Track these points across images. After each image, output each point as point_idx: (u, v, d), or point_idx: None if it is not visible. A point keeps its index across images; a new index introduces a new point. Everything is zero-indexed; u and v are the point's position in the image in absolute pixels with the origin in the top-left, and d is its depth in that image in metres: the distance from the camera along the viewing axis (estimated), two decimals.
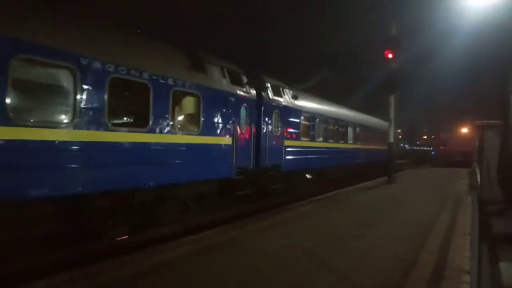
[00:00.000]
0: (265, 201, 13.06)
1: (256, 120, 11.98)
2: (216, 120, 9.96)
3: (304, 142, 15.36)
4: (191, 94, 9.37)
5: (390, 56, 17.04)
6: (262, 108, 12.42)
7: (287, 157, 13.78)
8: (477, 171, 16.37)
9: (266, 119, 12.59)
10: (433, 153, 57.27)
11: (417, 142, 78.91)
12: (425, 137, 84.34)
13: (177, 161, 8.71)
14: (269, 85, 12.97)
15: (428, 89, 59.18)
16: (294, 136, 14.41)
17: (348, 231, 8.16)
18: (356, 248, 6.81)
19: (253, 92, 11.95)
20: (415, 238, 7.62)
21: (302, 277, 5.35)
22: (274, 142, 12.99)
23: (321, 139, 16.98)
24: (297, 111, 14.75)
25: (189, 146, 9.05)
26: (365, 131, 23.84)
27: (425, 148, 70.27)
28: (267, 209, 11.02)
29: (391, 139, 18.77)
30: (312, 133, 15.94)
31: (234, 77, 11.11)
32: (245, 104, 11.36)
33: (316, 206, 11.63)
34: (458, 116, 50.57)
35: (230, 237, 7.41)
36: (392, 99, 18.34)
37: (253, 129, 11.77)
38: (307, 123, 15.81)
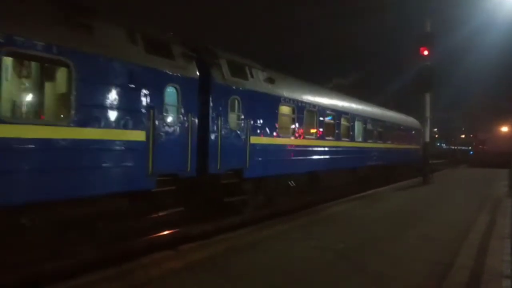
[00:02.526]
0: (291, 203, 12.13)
1: (198, 108, 8.62)
2: (107, 104, 6.65)
3: (286, 140, 11.83)
4: (53, 61, 6.13)
5: (425, 53, 16.99)
6: (211, 93, 9.04)
7: (255, 159, 10.33)
8: None
9: (219, 107, 9.20)
10: (471, 153, 53.72)
11: (453, 141, 74.89)
12: (463, 136, 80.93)
13: (22, 168, 5.49)
14: (223, 61, 9.57)
15: (464, 87, 56.75)
16: (268, 131, 10.92)
17: (381, 233, 8.15)
18: (390, 251, 6.81)
19: (194, 69, 8.58)
20: (451, 241, 7.52)
21: (333, 279, 5.35)
22: (231, 139, 9.59)
23: (313, 135, 13.35)
24: (273, 99, 11.24)
25: (51, 144, 5.80)
26: (384, 128, 19.90)
27: (462, 148, 67.24)
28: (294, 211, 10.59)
29: (427, 138, 18.48)
30: (299, 128, 12.35)
31: (156, 45, 7.79)
32: (175, 85, 8.01)
33: (347, 206, 11.68)
34: (496, 114, 47.63)
35: (261, 237, 7.62)
36: (427, 98, 18.00)
37: (193, 120, 8.42)
38: (291, 115, 12.26)
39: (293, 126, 12.27)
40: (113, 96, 6.73)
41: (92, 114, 6.38)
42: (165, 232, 8.22)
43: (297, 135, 12.29)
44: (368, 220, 9.62)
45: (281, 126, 11.76)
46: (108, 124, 6.64)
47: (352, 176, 16.92)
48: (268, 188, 11.43)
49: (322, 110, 13.72)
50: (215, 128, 9.08)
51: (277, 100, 11.38)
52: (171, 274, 5.45)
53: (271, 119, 11.10)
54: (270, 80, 11.21)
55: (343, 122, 15.57)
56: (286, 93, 11.82)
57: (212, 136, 9.02)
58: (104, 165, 6.57)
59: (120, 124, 6.84)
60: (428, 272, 5.67)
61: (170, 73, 7.89)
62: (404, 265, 6.03)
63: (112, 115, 6.72)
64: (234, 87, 9.68)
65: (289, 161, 11.89)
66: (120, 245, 7.21)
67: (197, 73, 8.61)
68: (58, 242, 6.33)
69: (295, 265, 6.00)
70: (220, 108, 9.24)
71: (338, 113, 14.92)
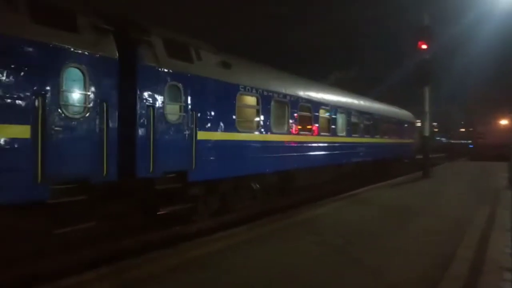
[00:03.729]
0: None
1: (118, 96, 6.85)
2: None
3: (248, 135, 10.08)
4: None
5: (423, 47, 16.83)
6: (138, 77, 7.28)
7: (205, 158, 8.59)
8: None
9: (150, 96, 7.44)
10: (471, 146, 52.57)
11: (452, 134, 73.77)
12: (462, 129, 79.83)
13: None
14: (157, 40, 7.79)
15: (462, 80, 55.50)
16: (223, 125, 9.17)
17: (381, 228, 8.08)
18: (390, 245, 6.72)
19: (111, 47, 6.80)
20: (452, 233, 7.49)
21: (333, 273, 5.29)
22: (170, 135, 7.84)
23: (284, 130, 11.58)
24: (230, 87, 9.48)
25: None
26: (373, 121, 18.14)
27: (462, 142, 66.00)
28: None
29: (427, 132, 18.24)
30: (264, 121, 10.58)
31: (49, 12, 6.02)
32: (79, 66, 6.25)
33: (345, 203, 11.40)
34: (496, 107, 46.47)
35: (259, 233, 7.46)
36: (426, 91, 17.79)
37: (111, 112, 6.66)
38: (254, 106, 10.51)
39: (257, 119, 10.50)
40: None
41: None
42: None
43: (262, 129, 10.52)
44: (368, 216, 9.45)
45: (241, 119, 10.01)
46: None
47: (337, 173, 15.19)
48: (224, 193, 9.69)
49: (294, 101, 11.94)
50: (144, 121, 7.31)
51: (235, 89, 9.61)
52: None
53: (227, 111, 9.34)
54: (225, 65, 9.44)
55: (322, 114, 13.78)
56: (246, 80, 10.04)
57: (141, 131, 7.26)
58: None
59: None
60: (429, 264, 5.66)
61: (72, 50, 6.12)
62: (404, 258, 6.02)
63: None
64: (173, 71, 7.90)
65: (252, 159, 10.13)
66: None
67: (116, 52, 6.83)
68: None
69: None
70: (153, 97, 7.47)
71: (315, 105, 13.13)
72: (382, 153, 19.15)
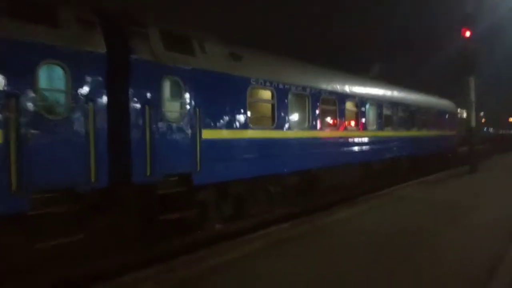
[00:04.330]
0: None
1: (109, 94, 6.25)
2: None
3: (262, 132, 9.28)
4: None
5: (467, 34, 16.23)
6: (131, 73, 6.65)
7: (212, 159, 7.86)
8: None
9: (145, 92, 6.80)
10: None
11: (501, 125, 69.55)
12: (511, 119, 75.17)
13: None
14: (154, 32, 7.13)
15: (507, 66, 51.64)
16: (233, 122, 8.42)
17: (428, 226, 7.74)
18: (437, 243, 6.52)
19: (97, 40, 6.20)
20: (503, 233, 7.00)
21: (379, 271, 5.19)
22: (170, 134, 7.18)
23: (305, 125, 10.66)
24: (240, 81, 8.70)
25: None
26: (409, 113, 16.79)
27: None
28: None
29: (473, 124, 17.42)
30: (281, 116, 9.72)
31: (15, 6, 5.47)
32: (59, 62, 5.69)
33: (389, 198, 11.27)
34: None
35: (300, 231, 7.40)
36: (472, 81, 17.03)
37: (99, 111, 6.08)
38: (269, 100, 9.67)
39: (272, 115, 9.64)
40: None
41: None
42: None
43: (279, 125, 9.66)
44: (415, 212, 9.35)
45: (254, 115, 9.25)
46: None
47: (367, 171, 14.05)
48: (239, 197, 8.94)
49: (316, 93, 10.97)
50: (139, 120, 6.68)
51: (245, 82, 8.81)
52: None
53: (237, 106, 8.56)
54: (235, 57, 8.67)
55: (348, 107, 12.71)
56: (259, 73, 9.21)
57: (135, 132, 6.63)
58: None
59: None
60: (477, 265, 5.40)
61: (49, 46, 5.56)
62: (453, 256, 5.83)
63: None
64: (172, 65, 7.21)
65: (268, 158, 9.30)
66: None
67: (104, 45, 6.22)
68: None
69: None
70: (149, 94, 6.82)
71: (340, 97, 12.08)
72: (420, 147, 17.67)
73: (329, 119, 11.99)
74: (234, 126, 8.43)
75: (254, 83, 8.98)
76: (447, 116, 21.76)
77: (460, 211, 9.07)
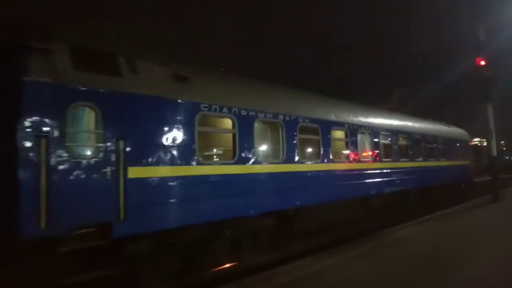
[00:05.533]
0: None
1: None
2: None
3: (213, 168, 7.73)
4: None
5: (482, 63, 16.04)
6: (23, 97, 5.27)
7: (143, 203, 6.31)
8: None
9: (46, 121, 5.39)
10: None
11: None
12: None
13: None
14: (62, 46, 5.79)
15: None
16: (175, 156, 6.90)
17: (451, 254, 7.87)
18: (457, 273, 6.56)
19: None
20: None
21: None
22: (77, 173, 5.66)
23: (278, 157, 9.09)
24: (185, 107, 7.23)
25: None
26: (411, 141, 15.08)
27: None
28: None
29: (494, 152, 17.20)
30: (243, 147, 8.19)
31: None
32: None
33: (414, 229, 11.04)
34: None
35: (324, 266, 7.27)
36: (490, 109, 16.93)
37: None
38: (229, 129, 8.19)
39: (234, 147, 8.11)
40: None
41: None
42: None
43: (243, 159, 8.11)
44: (439, 244, 9.14)
45: (207, 147, 7.74)
46: None
47: (363, 208, 12.24)
48: (188, 247, 7.29)
49: (291, 121, 9.44)
50: (31, 157, 5.23)
51: (193, 108, 7.34)
52: None
53: (182, 137, 7.07)
54: (179, 78, 7.27)
55: (336, 136, 11.12)
56: (214, 97, 7.78)
57: (24, 172, 5.17)
58: None
59: None
60: None
61: None
62: None
63: None
64: (84, 88, 5.82)
65: (228, 198, 7.70)
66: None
67: None
68: None
69: None
70: (47, 124, 5.40)
71: (324, 125, 10.51)
72: (426, 178, 15.78)
73: (310, 150, 10.40)
74: (177, 161, 6.91)
75: (205, 109, 7.51)
76: (458, 145, 19.87)
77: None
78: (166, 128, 6.82)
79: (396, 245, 9.27)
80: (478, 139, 63.56)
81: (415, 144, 15.32)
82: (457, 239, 9.72)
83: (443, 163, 17.35)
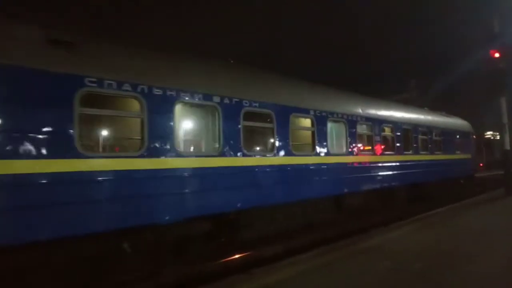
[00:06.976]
0: None
1: None
2: None
3: (105, 161, 5.94)
4: None
5: (496, 55, 15.81)
6: None
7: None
8: None
9: None
10: None
11: None
12: None
13: None
14: None
15: None
16: (43, 146, 5.19)
17: (461, 250, 7.42)
18: (467, 271, 6.15)
19: None
20: None
21: None
22: None
23: (209, 147, 7.34)
24: (63, 80, 5.48)
25: None
26: (400, 132, 13.20)
27: None
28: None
29: (507, 146, 16.84)
30: (154, 136, 6.44)
31: None
32: None
33: (417, 226, 10.32)
34: None
35: (328, 260, 6.95)
36: (503, 102, 16.79)
37: None
38: (135, 112, 6.45)
39: (142, 135, 6.35)
40: None
41: None
42: None
43: (152, 151, 6.36)
44: (445, 240, 8.45)
45: (96, 135, 6.03)
46: None
47: (336, 207, 10.46)
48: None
49: (233, 104, 7.66)
50: None
51: (75, 83, 5.60)
52: None
53: (56, 121, 5.35)
54: (59, 45, 5.54)
55: (296, 124, 9.31)
56: (110, 69, 6.03)
57: None
58: None
59: None
60: None
61: None
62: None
63: None
64: None
65: (131, 200, 5.97)
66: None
67: None
68: None
69: None
70: None
71: (280, 111, 8.70)
72: (418, 174, 13.86)
73: (259, 141, 8.63)
74: (48, 152, 5.19)
75: (93, 84, 5.77)
76: (458, 137, 17.82)
77: None
78: (30, 109, 5.11)
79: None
80: (491, 132, 60.60)
81: (404, 135, 13.39)
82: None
83: (438, 156, 15.37)
